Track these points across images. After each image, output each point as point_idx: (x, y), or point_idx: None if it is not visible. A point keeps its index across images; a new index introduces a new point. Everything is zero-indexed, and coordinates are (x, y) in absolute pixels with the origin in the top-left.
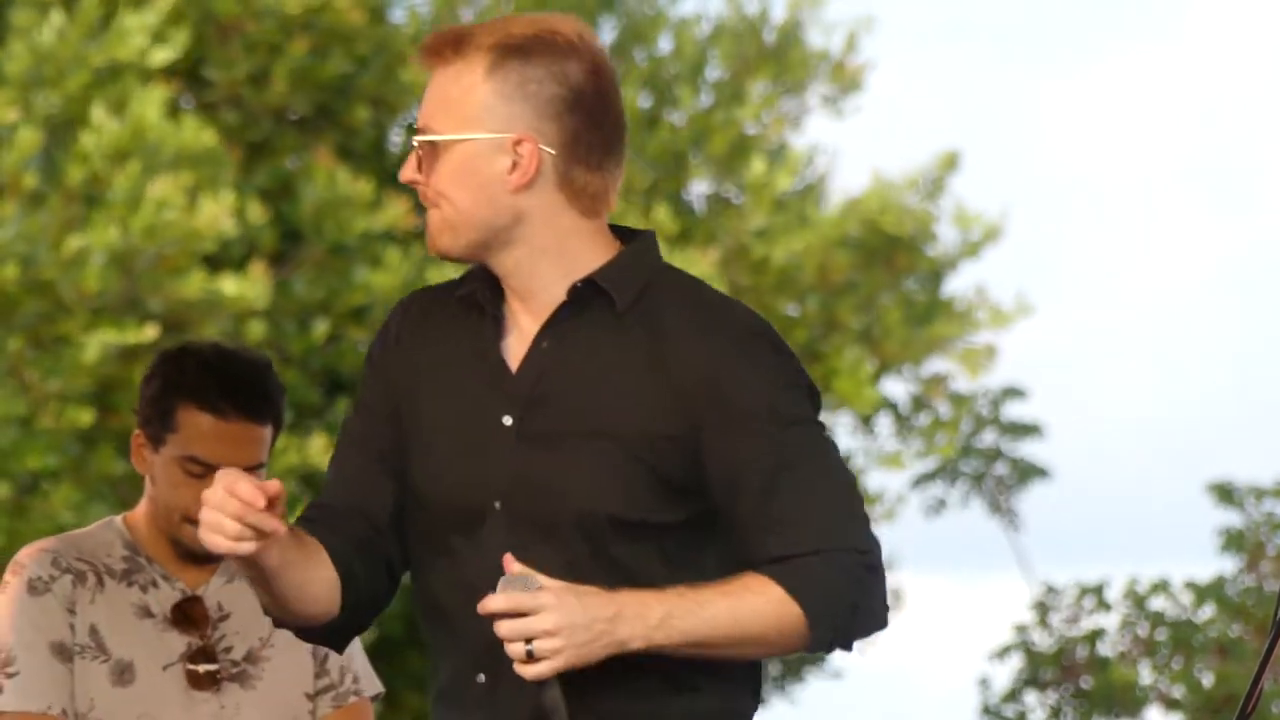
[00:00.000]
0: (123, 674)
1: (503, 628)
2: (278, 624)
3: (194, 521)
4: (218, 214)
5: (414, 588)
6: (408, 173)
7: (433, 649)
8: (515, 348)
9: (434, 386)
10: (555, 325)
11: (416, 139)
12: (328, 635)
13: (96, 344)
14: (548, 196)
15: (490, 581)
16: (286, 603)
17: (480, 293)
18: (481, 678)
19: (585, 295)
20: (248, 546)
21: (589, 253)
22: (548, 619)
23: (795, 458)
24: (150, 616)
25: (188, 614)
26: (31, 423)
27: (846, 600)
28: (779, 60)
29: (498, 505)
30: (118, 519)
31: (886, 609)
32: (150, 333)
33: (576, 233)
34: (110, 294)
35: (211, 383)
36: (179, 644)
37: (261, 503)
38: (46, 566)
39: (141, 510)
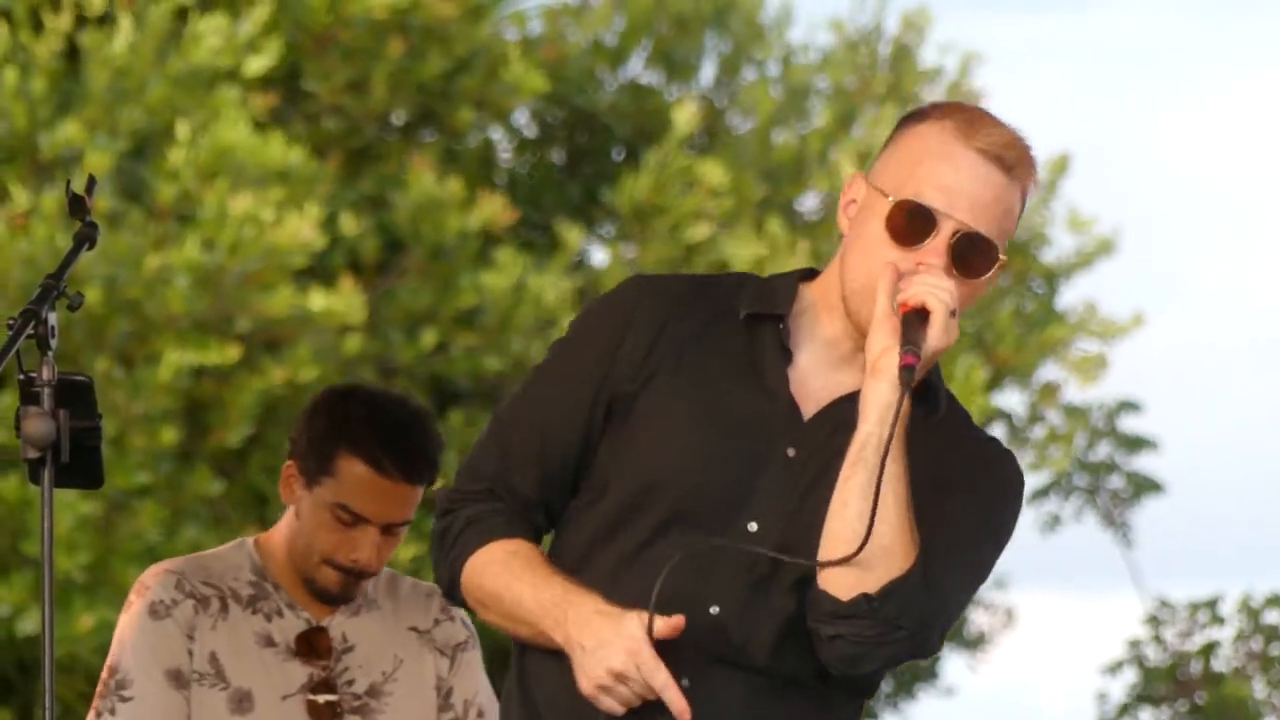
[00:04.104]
0: (241, 702)
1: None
2: None
3: (333, 565)
4: (300, 228)
5: (581, 562)
6: (942, 259)
7: None
8: (809, 385)
9: (688, 382)
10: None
11: (964, 232)
12: None
13: (170, 364)
14: None
15: (716, 595)
16: None
17: (776, 322)
18: (686, 682)
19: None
20: (623, 710)
21: None
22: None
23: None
24: (272, 645)
25: (312, 644)
26: (122, 442)
27: None
28: (894, 75)
29: (753, 527)
30: (249, 541)
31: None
32: (234, 352)
33: None
34: (197, 312)
35: (378, 437)
36: (300, 674)
37: (671, 697)
38: (170, 590)
39: (279, 536)
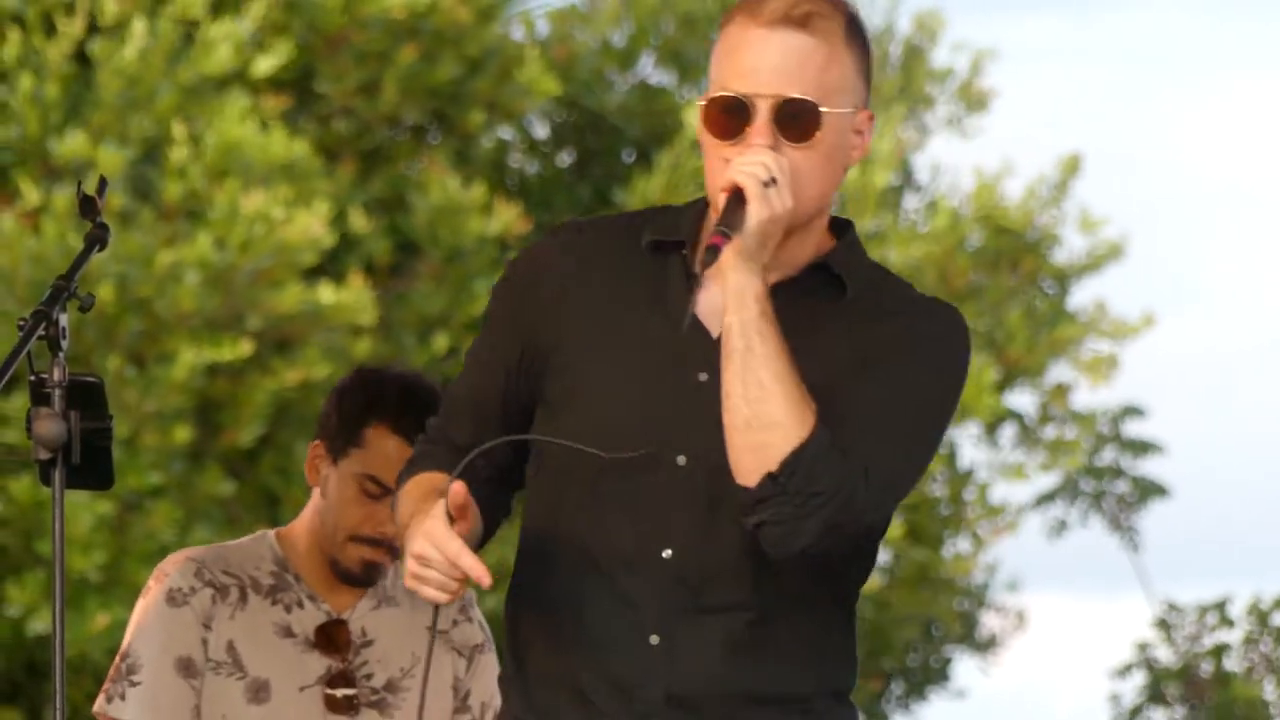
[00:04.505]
0: (258, 692)
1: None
2: None
3: (359, 539)
4: (310, 224)
5: (540, 531)
6: (765, 137)
7: (560, 596)
8: (718, 305)
9: (600, 326)
10: (774, 301)
11: (768, 101)
12: None
13: (186, 362)
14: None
15: (665, 537)
16: None
17: (679, 246)
18: (655, 639)
19: (813, 277)
20: (449, 598)
21: (819, 233)
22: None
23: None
24: (291, 636)
25: (331, 637)
26: (134, 442)
27: None
28: (905, 76)
29: (681, 461)
30: (270, 533)
31: None
32: (247, 347)
33: (828, 211)
34: (208, 310)
35: (410, 409)
36: (318, 666)
37: (465, 562)
38: (189, 578)
39: (301, 525)
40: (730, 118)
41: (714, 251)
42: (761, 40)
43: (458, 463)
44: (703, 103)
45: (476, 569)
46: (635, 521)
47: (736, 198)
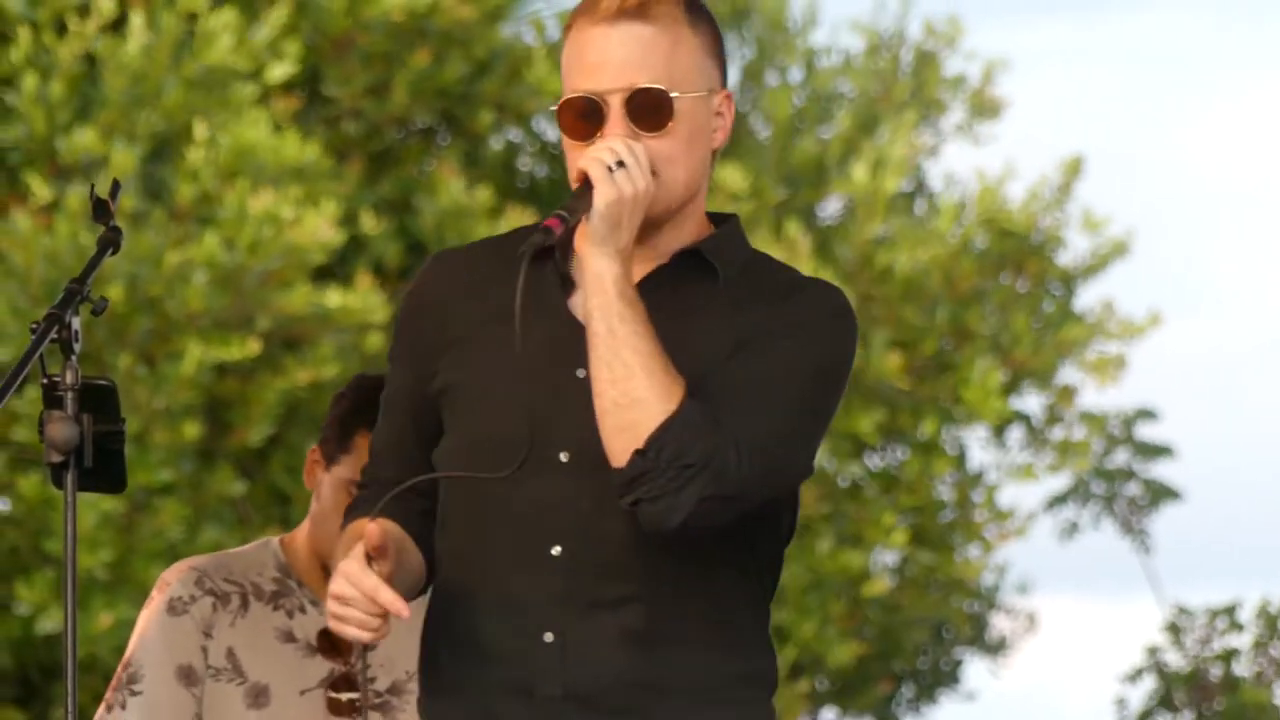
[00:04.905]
0: (258, 697)
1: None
2: None
3: None
4: (318, 225)
5: (442, 547)
6: (620, 130)
7: (457, 604)
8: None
9: (487, 337)
10: (648, 289)
11: (618, 94)
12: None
13: (194, 357)
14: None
15: (554, 535)
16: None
17: (552, 248)
18: (549, 637)
19: (684, 264)
20: (373, 636)
21: (696, 222)
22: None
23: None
24: (293, 641)
25: (334, 641)
26: (145, 438)
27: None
28: (916, 82)
29: (564, 458)
30: (274, 540)
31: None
32: (255, 346)
33: (702, 198)
34: (217, 310)
35: None
36: (320, 670)
37: (383, 597)
38: (189, 586)
39: (303, 531)
40: (584, 119)
41: (547, 233)
42: (603, 37)
43: (397, 504)
44: (555, 109)
45: (395, 603)
46: (524, 522)
47: (585, 184)
